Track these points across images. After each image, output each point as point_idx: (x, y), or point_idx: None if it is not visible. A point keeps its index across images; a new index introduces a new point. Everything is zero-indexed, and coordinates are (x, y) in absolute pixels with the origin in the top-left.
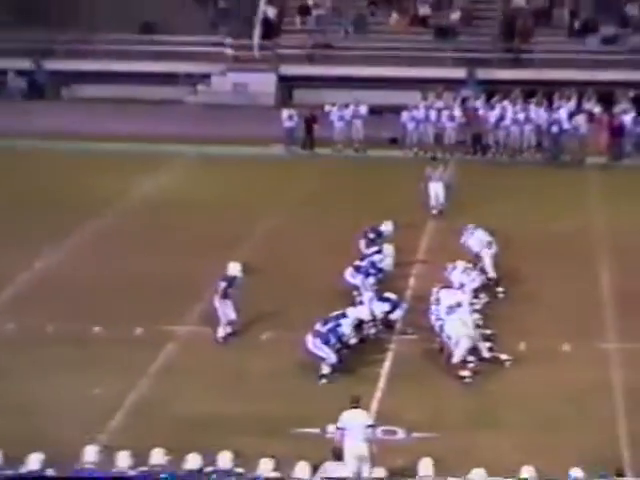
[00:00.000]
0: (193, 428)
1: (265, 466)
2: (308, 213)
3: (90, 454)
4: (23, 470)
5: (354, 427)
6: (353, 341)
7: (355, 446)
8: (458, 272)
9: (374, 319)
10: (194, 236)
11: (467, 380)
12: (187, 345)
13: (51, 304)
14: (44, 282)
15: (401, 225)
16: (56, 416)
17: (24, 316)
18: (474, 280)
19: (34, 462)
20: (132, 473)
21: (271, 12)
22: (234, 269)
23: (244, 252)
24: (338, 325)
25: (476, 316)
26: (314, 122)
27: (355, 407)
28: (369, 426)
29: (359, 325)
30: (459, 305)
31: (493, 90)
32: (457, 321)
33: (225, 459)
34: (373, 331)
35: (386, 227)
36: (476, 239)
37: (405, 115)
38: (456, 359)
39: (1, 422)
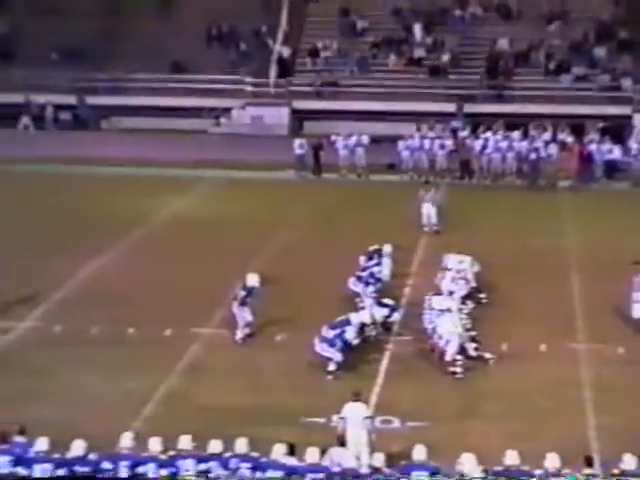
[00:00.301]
0: (215, 417)
1: (278, 450)
2: (316, 230)
3: (126, 440)
4: (68, 455)
5: (355, 418)
6: (356, 342)
7: (355, 434)
8: (447, 281)
9: (374, 322)
10: (217, 248)
11: (458, 376)
12: (210, 345)
13: (92, 309)
14: (87, 289)
15: (397, 241)
16: (96, 407)
17: (69, 319)
18: (461, 289)
19: (77, 448)
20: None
21: (285, 52)
22: (252, 280)
23: (260, 263)
24: (343, 332)
25: (464, 319)
26: (321, 150)
27: (356, 400)
28: (367, 417)
29: (361, 328)
30: (449, 310)
31: (479, 122)
32: (448, 323)
33: (242, 444)
34: (373, 333)
35: (386, 249)
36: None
37: (401, 144)
38: (448, 357)
39: (47, 412)
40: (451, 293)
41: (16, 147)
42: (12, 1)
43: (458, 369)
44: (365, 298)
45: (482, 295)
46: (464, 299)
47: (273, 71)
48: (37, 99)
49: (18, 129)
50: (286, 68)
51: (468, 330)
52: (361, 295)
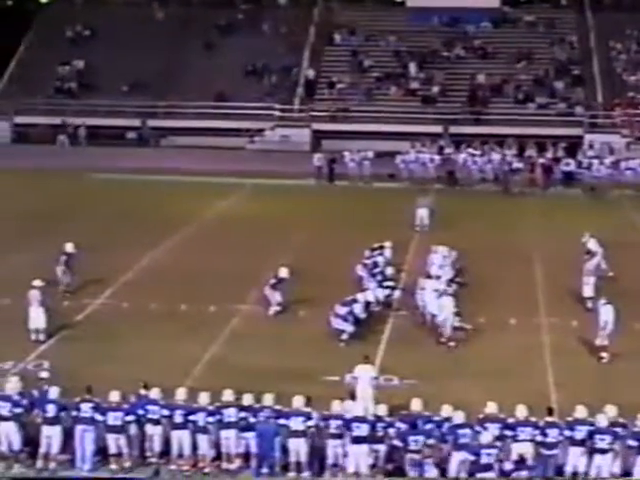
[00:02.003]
0: (249, 376)
1: (297, 403)
2: (331, 227)
3: (180, 394)
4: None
5: (363, 377)
6: (363, 316)
7: (364, 390)
8: (436, 267)
9: (377, 301)
10: (251, 241)
11: (452, 346)
12: (247, 319)
13: (151, 289)
14: (147, 274)
15: (394, 236)
16: (156, 367)
17: (133, 297)
18: (447, 273)
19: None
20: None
21: (311, 74)
22: (283, 272)
23: (286, 253)
24: (353, 308)
25: (450, 298)
26: (335, 163)
27: (365, 363)
28: (374, 377)
29: (367, 305)
30: (445, 293)
31: (461, 141)
32: (441, 305)
33: (269, 398)
34: (377, 309)
35: (387, 246)
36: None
37: (399, 158)
38: (447, 332)
39: (117, 371)
40: (438, 277)
41: (95, 160)
42: (87, 41)
43: (452, 343)
44: (369, 281)
45: (459, 279)
46: (449, 281)
47: (298, 98)
48: (75, 121)
49: (56, 145)
50: (312, 86)
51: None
52: (366, 279)
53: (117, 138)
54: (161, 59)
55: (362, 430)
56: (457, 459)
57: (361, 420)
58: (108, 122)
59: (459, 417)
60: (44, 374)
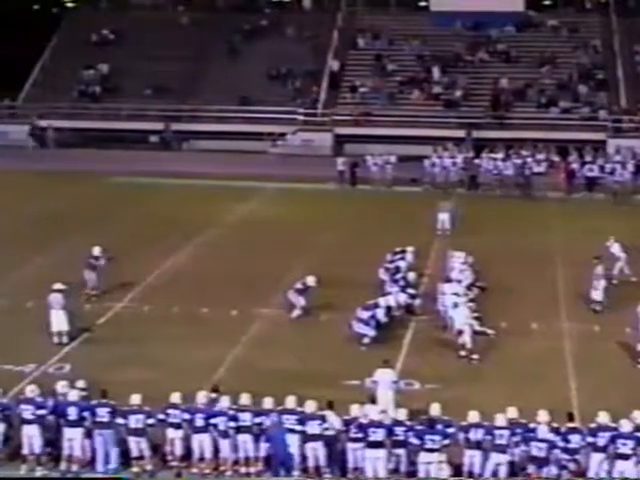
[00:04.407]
0: (271, 380)
1: (311, 407)
2: (353, 231)
3: (201, 397)
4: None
5: (384, 381)
6: (385, 321)
7: (384, 394)
8: (456, 272)
9: (398, 305)
10: (274, 244)
11: (474, 362)
12: (269, 322)
13: (173, 293)
14: (169, 277)
15: (416, 241)
16: (177, 371)
17: (155, 301)
18: (467, 278)
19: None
20: None
21: (335, 65)
22: (311, 280)
23: (308, 257)
24: (375, 313)
25: (470, 303)
26: (357, 167)
27: (385, 366)
28: (394, 381)
29: (389, 310)
30: (458, 295)
31: (484, 145)
32: (461, 315)
33: (291, 401)
34: (398, 314)
35: (409, 250)
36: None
37: (424, 162)
38: (468, 344)
39: (138, 374)
40: (459, 282)
41: (115, 164)
42: (112, 45)
43: (475, 355)
44: (391, 286)
45: (481, 284)
46: (469, 287)
47: (321, 103)
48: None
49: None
50: (336, 78)
51: (473, 311)
52: (388, 283)
53: (140, 142)
54: (185, 63)
55: (378, 435)
56: (493, 462)
57: (377, 425)
58: (131, 126)
59: (501, 420)
60: (81, 383)
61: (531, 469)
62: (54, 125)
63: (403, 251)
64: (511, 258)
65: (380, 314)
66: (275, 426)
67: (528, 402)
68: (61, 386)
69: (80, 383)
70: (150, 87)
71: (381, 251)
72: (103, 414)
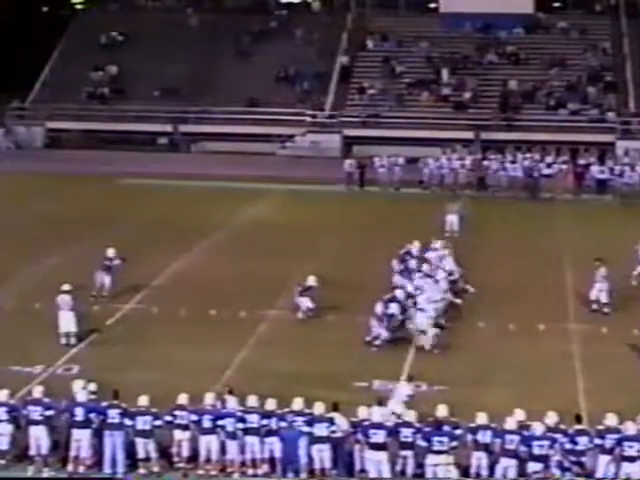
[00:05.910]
0: (278, 381)
1: (319, 409)
2: (361, 232)
3: (209, 399)
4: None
5: (400, 393)
6: (398, 316)
7: (396, 403)
8: (435, 259)
9: (409, 295)
10: (282, 246)
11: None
12: (276, 324)
13: (181, 294)
14: (177, 279)
15: (425, 243)
16: (184, 372)
17: (163, 302)
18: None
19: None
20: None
21: (345, 60)
22: (312, 280)
23: (316, 258)
24: (389, 308)
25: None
26: (365, 168)
27: (408, 381)
28: (410, 395)
29: (403, 307)
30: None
31: (492, 147)
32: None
33: (299, 403)
34: (412, 310)
35: (414, 246)
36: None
37: (432, 164)
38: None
39: (146, 375)
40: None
41: (123, 166)
42: (121, 47)
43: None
44: (402, 280)
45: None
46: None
47: (328, 105)
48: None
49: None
50: (347, 72)
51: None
52: (399, 276)
53: (149, 144)
54: (194, 65)
55: (379, 436)
56: (503, 466)
57: (378, 426)
58: (140, 127)
59: (511, 424)
60: (92, 386)
61: (534, 468)
62: (63, 127)
63: (408, 251)
64: (519, 259)
65: (394, 309)
66: (290, 428)
67: (536, 404)
68: (77, 385)
69: (92, 386)
70: (159, 89)
71: (389, 253)
72: (114, 415)
